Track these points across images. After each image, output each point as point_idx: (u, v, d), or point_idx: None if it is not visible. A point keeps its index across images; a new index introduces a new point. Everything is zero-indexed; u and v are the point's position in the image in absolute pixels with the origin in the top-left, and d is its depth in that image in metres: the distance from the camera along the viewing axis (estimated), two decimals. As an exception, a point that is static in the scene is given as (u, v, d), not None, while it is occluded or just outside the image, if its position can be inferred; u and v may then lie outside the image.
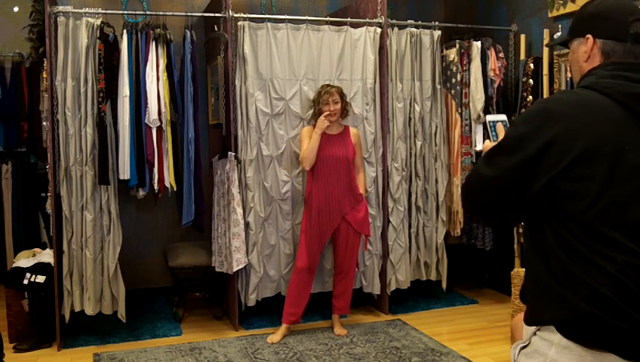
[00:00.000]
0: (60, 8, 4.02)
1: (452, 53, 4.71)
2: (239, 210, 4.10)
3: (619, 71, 1.47)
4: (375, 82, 4.51)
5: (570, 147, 1.40)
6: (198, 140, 4.22)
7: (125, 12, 4.60)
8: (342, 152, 4.11)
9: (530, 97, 4.50)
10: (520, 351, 1.54)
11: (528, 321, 1.53)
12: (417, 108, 4.65)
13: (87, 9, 4.02)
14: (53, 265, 4.00)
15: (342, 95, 4.14)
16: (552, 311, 1.43)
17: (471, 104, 4.68)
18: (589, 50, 1.54)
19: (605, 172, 1.38)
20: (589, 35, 1.54)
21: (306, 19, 4.40)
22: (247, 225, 4.22)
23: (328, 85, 4.18)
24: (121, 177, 3.99)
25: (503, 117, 1.70)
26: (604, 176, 1.38)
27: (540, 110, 1.47)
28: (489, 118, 1.69)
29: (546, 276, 1.44)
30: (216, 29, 4.34)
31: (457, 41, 4.72)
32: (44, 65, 4.04)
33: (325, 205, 4.08)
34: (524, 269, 3.87)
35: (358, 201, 4.15)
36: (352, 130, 4.24)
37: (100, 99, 3.93)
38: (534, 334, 1.49)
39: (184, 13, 4.48)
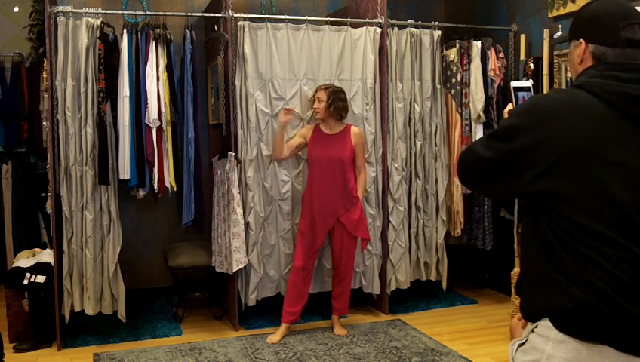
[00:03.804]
0: (60, 8, 4.02)
1: (452, 53, 4.71)
2: (239, 210, 4.10)
3: (609, 71, 1.50)
4: (375, 82, 4.51)
5: (555, 146, 1.45)
6: (198, 140, 4.22)
7: (125, 12, 4.60)
8: (337, 153, 4.09)
9: (531, 97, 4.50)
10: (517, 347, 1.57)
11: (524, 312, 1.57)
12: (417, 108, 4.65)
13: (87, 9, 4.02)
14: (53, 265, 4.00)
15: (330, 95, 4.06)
16: (547, 299, 1.46)
17: (471, 104, 4.68)
18: (581, 54, 1.58)
19: (590, 170, 1.43)
20: (581, 40, 1.58)
21: (306, 19, 4.40)
22: (247, 225, 4.22)
23: (324, 85, 4.18)
24: (121, 177, 3.99)
25: (528, 84, 1.74)
26: (588, 174, 1.43)
27: (532, 106, 1.54)
28: (513, 84, 1.74)
29: (543, 262, 1.48)
30: (216, 29, 4.34)
31: (457, 41, 4.72)
32: (44, 65, 4.04)
33: (319, 206, 4.08)
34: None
35: (352, 203, 4.13)
36: (354, 130, 4.19)
37: (100, 99, 3.93)
38: (532, 331, 1.52)
39: (184, 13, 4.49)
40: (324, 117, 4.10)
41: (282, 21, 4.35)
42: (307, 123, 4.35)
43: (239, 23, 4.24)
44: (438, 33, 4.73)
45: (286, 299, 4.18)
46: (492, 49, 4.75)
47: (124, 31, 4.03)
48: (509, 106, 1.72)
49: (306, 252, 4.10)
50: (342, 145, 4.12)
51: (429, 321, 4.48)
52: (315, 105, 4.10)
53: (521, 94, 1.77)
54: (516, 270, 4.19)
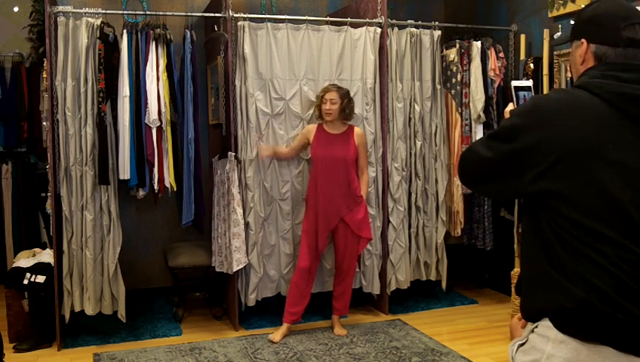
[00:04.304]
0: (60, 8, 4.02)
1: (452, 53, 4.71)
2: (239, 210, 4.10)
3: (610, 71, 1.51)
4: (375, 82, 4.51)
5: (556, 146, 1.45)
6: (198, 140, 4.22)
7: (125, 12, 4.60)
8: (341, 153, 4.10)
9: (531, 97, 4.50)
10: (518, 348, 1.57)
11: (524, 312, 1.57)
12: (417, 108, 4.64)
13: (87, 9, 4.02)
14: (53, 265, 4.00)
15: (343, 97, 4.11)
16: (547, 299, 1.46)
17: (471, 104, 4.68)
18: (583, 54, 1.59)
19: (590, 170, 1.43)
20: (583, 40, 1.59)
21: (306, 19, 4.40)
22: (247, 225, 4.22)
23: (333, 85, 4.19)
24: (121, 177, 3.99)
25: (529, 83, 1.75)
26: (589, 174, 1.43)
27: (533, 106, 1.55)
28: (514, 83, 1.75)
29: (543, 262, 1.48)
30: (216, 29, 4.34)
31: (457, 41, 4.72)
32: (44, 65, 4.04)
33: (323, 205, 4.08)
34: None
35: (357, 203, 4.14)
36: (357, 130, 4.22)
37: (100, 99, 3.93)
38: (532, 331, 1.52)
39: (184, 13, 4.49)
40: (335, 118, 4.11)
41: (282, 21, 4.35)
42: (307, 123, 4.35)
43: (239, 23, 4.24)
44: (438, 33, 4.73)
45: (288, 299, 4.17)
46: (492, 49, 4.75)
47: (124, 31, 4.03)
48: (510, 106, 1.73)
49: (310, 253, 4.10)
50: (346, 145, 4.13)
51: (429, 321, 4.48)
52: (327, 107, 4.08)
53: (522, 94, 1.78)
54: (516, 270, 4.19)
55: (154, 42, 4.07)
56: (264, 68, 4.27)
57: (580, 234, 1.41)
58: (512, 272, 4.32)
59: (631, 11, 1.54)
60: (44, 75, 4.08)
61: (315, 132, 4.17)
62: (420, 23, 4.74)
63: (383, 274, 4.60)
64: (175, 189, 4.20)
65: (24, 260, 4.24)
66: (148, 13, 4.42)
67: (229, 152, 4.17)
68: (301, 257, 4.13)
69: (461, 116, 4.72)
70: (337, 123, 4.16)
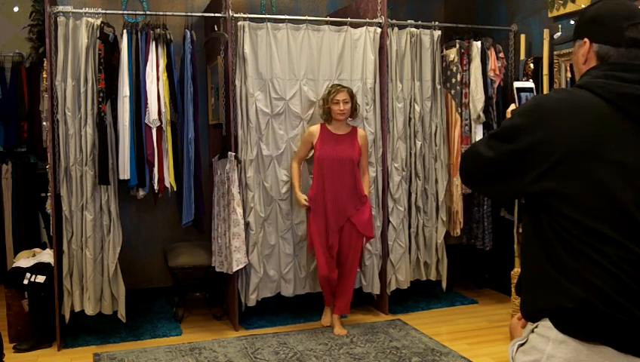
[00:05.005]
0: (60, 8, 4.02)
1: (452, 53, 4.71)
2: (239, 210, 4.10)
3: (612, 71, 1.51)
4: (375, 82, 4.51)
5: (556, 146, 1.45)
6: (198, 140, 4.23)
7: (125, 12, 4.60)
8: (347, 153, 4.12)
9: (530, 97, 4.50)
10: (518, 348, 1.57)
11: (524, 312, 1.57)
12: (417, 108, 4.64)
13: (87, 9, 4.02)
14: (53, 265, 4.00)
15: (352, 95, 4.17)
16: (547, 299, 1.46)
17: (471, 104, 4.68)
18: (585, 53, 1.59)
19: (591, 170, 1.43)
20: (586, 39, 1.59)
21: (306, 19, 4.40)
22: (247, 225, 4.22)
23: (339, 85, 4.19)
24: (121, 177, 4.00)
25: (531, 85, 1.76)
26: (589, 175, 1.43)
27: (534, 106, 1.55)
28: (516, 84, 1.76)
29: (543, 262, 1.48)
30: (216, 29, 4.34)
31: (457, 41, 4.72)
32: (44, 65, 4.04)
33: (331, 205, 4.09)
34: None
35: (362, 203, 4.16)
36: (360, 132, 4.25)
37: (100, 99, 3.93)
38: (532, 331, 1.52)
39: (184, 13, 4.49)
40: (346, 118, 4.15)
41: (282, 21, 4.36)
42: (307, 123, 4.35)
43: (239, 23, 4.24)
44: (438, 33, 4.73)
45: (324, 293, 4.30)
46: (492, 49, 4.75)
47: (124, 31, 4.03)
48: (512, 106, 1.74)
49: (326, 255, 4.12)
50: (351, 145, 4.15)
51: (429, 321, 4.48)
52: (341, 107, 4.09)
53: (523, 95, 1.78)
54: (516, 270, 4.19)
55: (154, 42, 4.07)
56: (264, 68, 4.27)
57: (581, 234, 1.41)
58: (512, 272, 4.32)
59: (634, 11, 1.54)
60: (44, 75, 4.08)
61: (319, 133, 4.18)
62: (420, 23, 4.74)
63: (383, 274, 4.60)
64: (175, 189, 4.20)
65: (24, 260, 4.24)
66: (148, 13, 4.42)
67: (229, 152, 4.17)
68: (320, 265, 4.15)
69: (461, 116, 4.72)
70: (343, 123, 4.18)
